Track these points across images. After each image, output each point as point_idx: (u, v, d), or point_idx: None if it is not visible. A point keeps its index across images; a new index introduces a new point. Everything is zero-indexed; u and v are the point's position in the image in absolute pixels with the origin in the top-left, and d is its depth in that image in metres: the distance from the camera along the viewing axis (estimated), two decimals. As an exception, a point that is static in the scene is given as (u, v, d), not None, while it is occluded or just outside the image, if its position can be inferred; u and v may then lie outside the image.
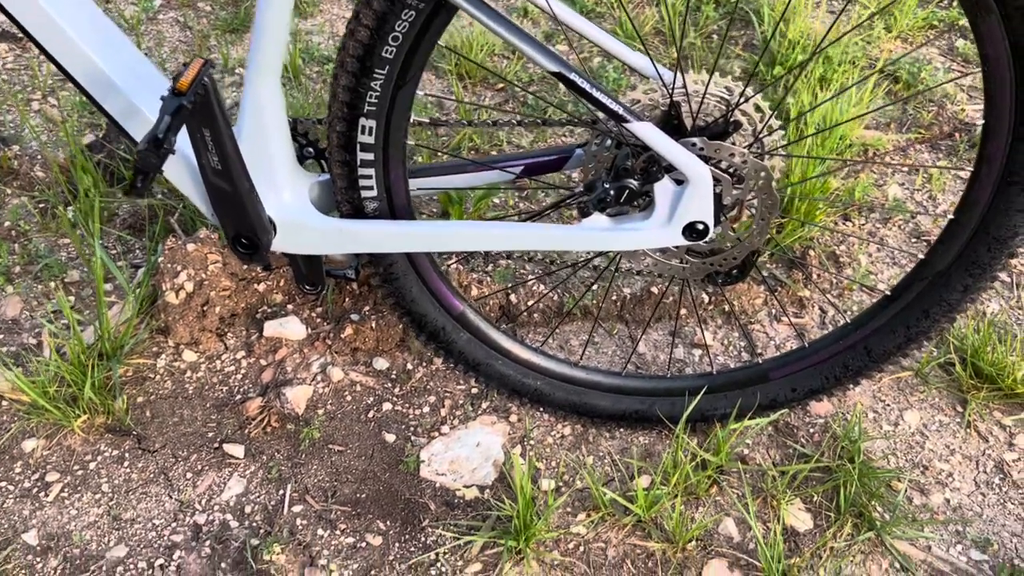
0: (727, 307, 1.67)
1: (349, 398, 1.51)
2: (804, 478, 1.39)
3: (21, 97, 2.10)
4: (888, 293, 1.30)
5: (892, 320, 1.29)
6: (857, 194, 1.88)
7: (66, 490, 1.35)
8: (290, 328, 1.59)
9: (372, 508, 1.35)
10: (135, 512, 1.33)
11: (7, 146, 1.93)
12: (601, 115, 1.08)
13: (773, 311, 1.69)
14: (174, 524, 1.32)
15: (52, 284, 1.66)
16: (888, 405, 1.53)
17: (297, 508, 1.35)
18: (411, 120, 1.15)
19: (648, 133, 1.05)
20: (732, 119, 1.16)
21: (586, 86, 1.03)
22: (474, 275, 1.66)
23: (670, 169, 1.12)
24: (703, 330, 1.64)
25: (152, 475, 1.38)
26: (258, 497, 1.36)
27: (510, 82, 2.20)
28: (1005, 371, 1.51)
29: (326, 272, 1.28)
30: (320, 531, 1.32)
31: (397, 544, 1.31)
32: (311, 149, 1.24)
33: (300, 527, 1.32)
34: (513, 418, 1.48)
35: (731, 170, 1.14)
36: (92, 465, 1.39)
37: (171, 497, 1.35)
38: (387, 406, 1.50)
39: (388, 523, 1.33)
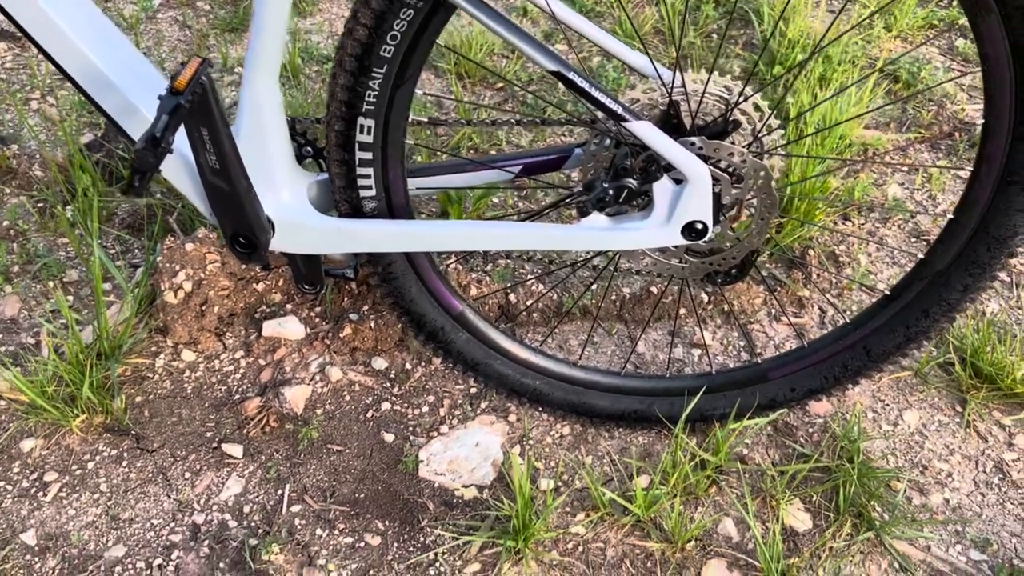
0: (726, 307, 1.67)
1: (348, 398, 1.51)
2: (803, 478, 1.39)
3: (20, 96, 2.09)
4: (887, 293, 1.30)
5: (891, 320, 1.29)
6: (857, 194, 1.88)
7: (64, 490, 1.35)
8: (289, 328, 1.59)
9: (371, 508, 1.35)
10: (133, 512, 1.33)
11: (6, 145, 1.93)
12: (600, 114, 1.08)
13: (772, 311, 1.68)
14: (173, 524, 1.32)
15: (51, 283, 1.66)
16: (887, 405, 1.53)
17: (296, 508, 1.34)
18: (410, 119, 1.15)
19: (647, 132, 1.05)
20: (731, 118, 1.16)
21: (585, 85, 1.03)
22: (473, 275, 1.66)
23: (669, 168, 1.12)
24: (702, 330, 1.64)
25: (151, 475, 1.38)
26: (257, 497, 1.36)
27: (509, 81, 2.20)
28: (1005, 371, 1.51)
29: (325, 271, 1.28)
30: (319, 531, 1.32)
31: (396, 544, 1.31)
32: (309, 148, 1.23)
33: (299, 527, 1.32)
34: (512, 418, 1.48)
35: (730, 169, 1.14)
36: (90, 465, 1.39)
37: (170, 497, 1.35)
38: (386, 406, 1.50)
39: (387, 523, 1.33)
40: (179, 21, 2.42)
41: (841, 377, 1.35)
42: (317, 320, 1.61)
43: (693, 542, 1.31)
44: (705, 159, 1.11)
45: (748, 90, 1.16)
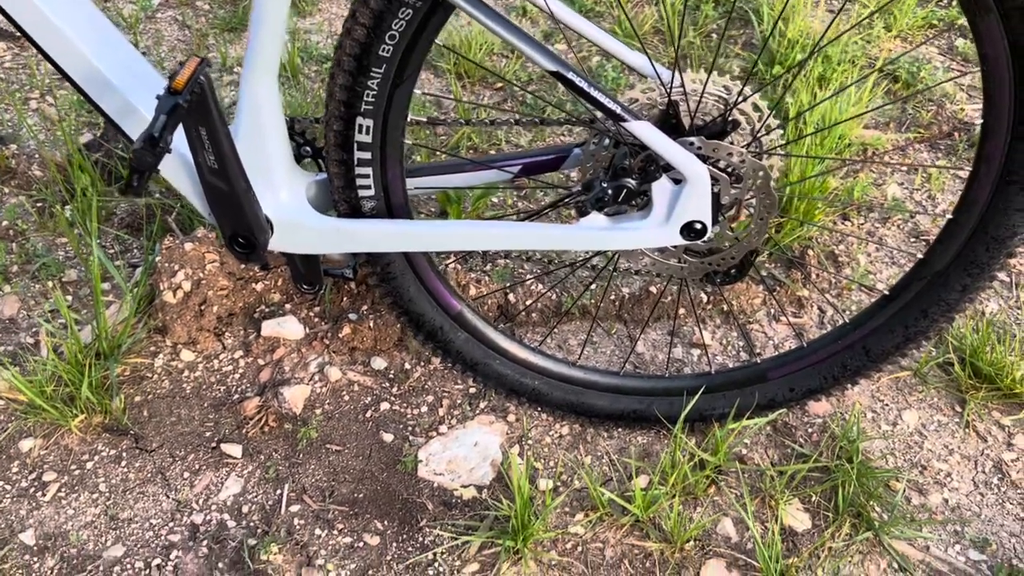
0: (726, 307, 1.67)
1: (347, 398, 1.51)
2: (802, 478, 1.39)
3: (19, 96, 2.09)
4: (887, 293, 1.30)
5: (891, 320, 1.29)
6: (856, 193, 1.88)
7: (63, 490, 1.35)
8: (288, 327, 1.59)
9: (370, 508, 1.35)
10: (132, 512, 1.33)
11: (5, 145, 1.93)
12: (599, 114, 1.08)
13: (772, 311, 1.68)
14: (171, 524, 1.32)
15: (50, 283, 1.66)
16: (887, 405, 1.53)
17: (295, 508, 1.34)
18: (408, 119, 1.15)
19: (646, 132, 1.05)
20: (730, 118, 1.16)
21: (584, 85, 1.03)
22: (472, 274, 1.66)
23: (668, 168, 1.12)
24: (701, 330, 1.64)
25: (149, 475, 1.38)
26: (255, 497, 1.36)
27: (509, 81, 2.20)
28: (1004, 371, 1.51)
29: (324, 271, 1.28)
30: (318, 531, 1.31)
31: (395, 544, 1.30)
32: (308, 148, 1.23)
33: (298, 527, 1.32)
34: (511, 418, 1.48)
35: (729, 169, 1.14)
36: (89, 465, 1.39)
37: (168, 497, 1.35)
38: (385, 406, 1.50)
39: (386, 523, 1.33)
40: (178, 21, 2.42)
41: (840, 377, 1.35)
42: (316, 320, 1.61)
43: (692, 542, 1.31)
44: (704, 159, 1.11)
45: (747, 90, 1.16)
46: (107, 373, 1.46)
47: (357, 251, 1.24)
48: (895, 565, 1.29)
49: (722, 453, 1.37)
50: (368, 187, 1.16)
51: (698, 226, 1.14)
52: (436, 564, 1.28)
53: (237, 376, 1.53)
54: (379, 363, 1.56)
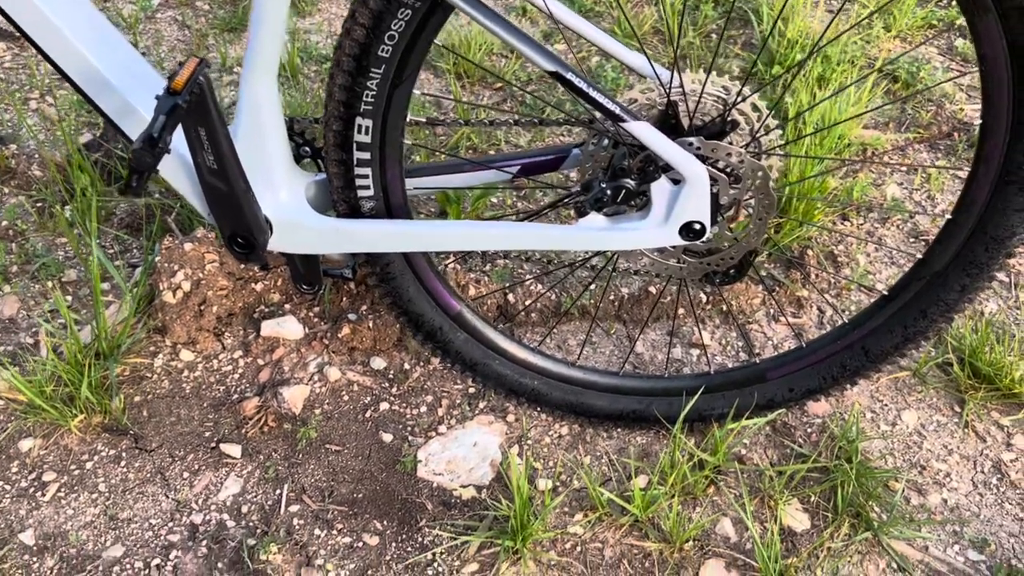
0: (725, 307, 1.67)
1: (346, 398, 1.51)
2: (801, 478, 1.39)
3: (19, 96, 2.09)
4: (886, 293, 1.30)
5: (890, 320, 1.29)
6: (855, 194, 1.88)
7: (63, 490, 1.35)
8: (287, 328, 1.59)
9: (369, 508, 1.35)
10: (132, 512, 1.33)
11: (4, 145, 1.93)
12: (598, 114, 1.08)
13: (771, 311, 1.68)
14: (171, 524, 1.32)
15: (49, 283, 1.66)
16: (886, 405, 1.53)
17: (294, 508, 1.34)
18: (408, 119, 1.15)
19: (645, 133, 1.05)
20: (729, 119, 1.16)
21: (583, 86, 1.03)
22: (471, 275, 1.66)
23: (667, 169, 1.12)
24: (701, 330, 1.64)
25: (149, 475, 1.38)
26: (255, 497, 1.36)
27: (508, 81, 2.20)
28: (1003, 371, 1.51)
29: (323, 271, 1.28)
30: (317, 531, 1.32)
31: (394, 544, 1.31)
32: (308, 148, 1.24)
33: (297, 527, 1.32)
34: (510, 418, 1.48)
35: (728, 170, 1.14)
36: (89, 465, 1.39)
37: (168, 497, 1.35)
38: (384, 406, 1.50)
39: (385, 523, 1.33)
40: (178, 21, 2.42)
41: (839, 377, 1.35)
42: (315, 320, 1.61)
43: (691, 542, 1.31)
44: (703, 159, 1.11)
45: (746, 90, 1.16)
46: (107, 373, 1.46)
47: (356, 251, 1.25)
48: (894, 565, 1.29)
49: (721, 453, 1.37)
50: (367, 187, 1.16)
51: (697, 226, 1.14)
52: (435, 564, 1.28)
53: (236, 376, 1.53)
54: (378, 363, 1.56)
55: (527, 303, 1.63)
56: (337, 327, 1.59)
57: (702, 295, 1.67)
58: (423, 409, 1.50)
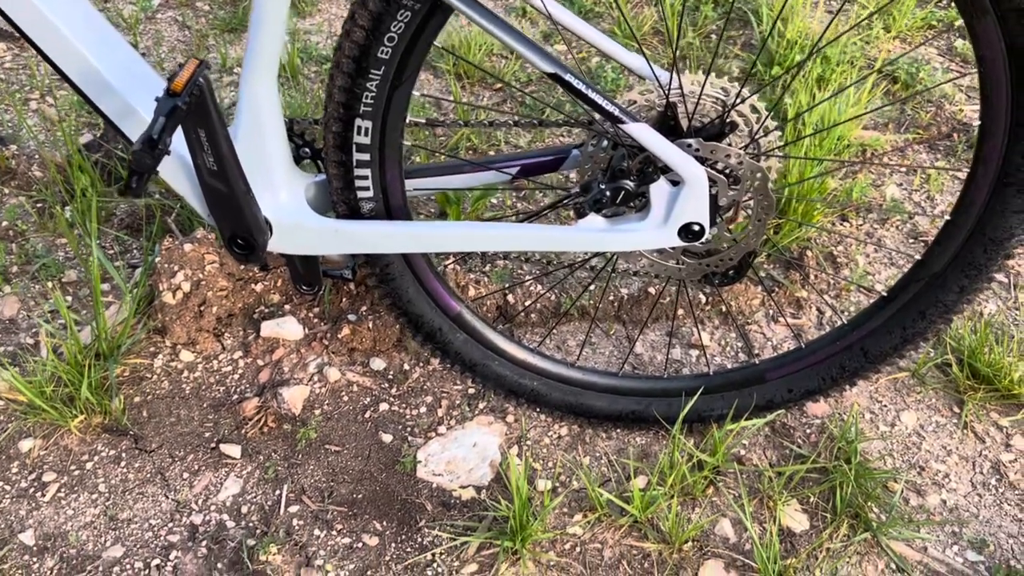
0: (724, 308, 1.67)
1: (346, 398, 1.51)
2: (800, 479, 1.40)
3: (19, 97, 2.09)
4: (885, 294, 1.30)
5: (889, 321, 1.29)
6: (855, 195, 1.88)
7: (63, 490, 1.35)
8: (287, 328, 1.59)
9: (369, 508, 1.35)
10: (132, 512, 1.33)
11: (5, 146, 1.93)
12: (597, 116, 1.08)
13: (770, 312, 1.69)
14: (171, 524, 1.32)
15: (49, 284, 1.66)
16: (885, 406, 1.53)
17: (294, 508, 1.35)
18: (407, 120, 1.15)
19: (643, 134, 1.05)
20: (728, 120, 1.16)
21: (581, 87, 1.03)
22: (471, 275, 1.66)
23: (666, 170, 1.12)
24: (700, 331, 1.64)
25: (149, 475, 1.38)
26: (255, 497, 1.36)
27: (508, 82, 2.20)
28: (1002, 372, 1.51)
29: (323, 272, 1.28)
30: (316, 531, 1.32)
31: (393, 544, 1.31)
32: (307, 149, 1.24)
33: (296, 527, 1.32)
34: (510, 418, 1.48)
35: (727, 171, 1.14)
36: (89, 465, 1.39)
37: (168, 497, 1.35)
38: (384, 406, 1.50)
39: (385, 523, 1.33)
40: (178, 21, 2.42)
41: (838, 378, 1.36)
42: (315, 321, 1.62)
43: (690, 543, 1.31)
44: (702, 161, 1.11)
45: (745, 91, 1.16)
46: (106, 374, 1.47)
47: (356, 252, 1.25)
48: (893, 566, 1.30)
49: (720, 454, 1.37)
50: (367, 188, 1.17)
51: (696, 228, 1.14)
52: (435, 564, 1.28)
53: (236, 377, 1.53)
54: (378, 364, 1.57)
55: (527, 304, 1.63)
56: (337, 328, 1.59)
57: (701, 296, 1.67)
58: (423, 410, 1.50)
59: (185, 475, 1.38)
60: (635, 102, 1.16)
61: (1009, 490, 1.41)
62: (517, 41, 1.00)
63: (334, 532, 1.32)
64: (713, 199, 1.13)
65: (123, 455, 1.41)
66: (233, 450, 1.42)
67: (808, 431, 1.48)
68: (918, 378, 1.57)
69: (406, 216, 1.22)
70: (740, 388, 1.41)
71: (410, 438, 1.45)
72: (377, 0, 0.98)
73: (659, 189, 1.13)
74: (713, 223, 1.15)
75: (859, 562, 1.30)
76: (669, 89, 1.13)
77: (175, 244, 1.55)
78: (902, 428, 1.49)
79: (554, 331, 1.64)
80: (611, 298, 1.66)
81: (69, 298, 1.64)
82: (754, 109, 1.17)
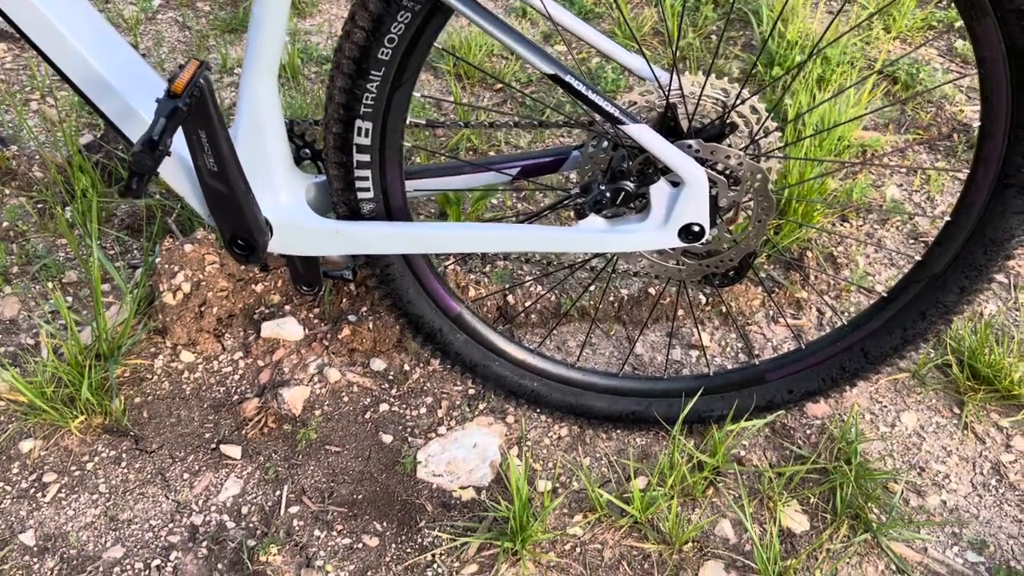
0: (724, 308, 1.67)
1: (346, 399, 1.51)
2: (800, 479, 1.40)
3: (19, 97, 2.10)
4: (885, 295, 1.30)
5: (889, 322, 1.29)
6: (855, 195, 1.88)
7: (63, 491, 1.36)
8: (287, 329, 1.59)
9: (369, 509, 1.35)
10: (132, 513, 1.33)
11: (5, 146, 1.93)
12: (597, 117, 1.08)
13: (770, 312, 1.69)
14: (171, 525, 1.32)
15: (50, 284, 1.66)
16: (885, 407, 1.53)
17: (294, 509, 1.35)
18: (408, 121, 1.15)
19: (643, 135, 1.06)
20: (728, 121, 1.16)
21: (581, 88, 1.03)
22: (471, 276, 1.66)
23: (666, 171, 1.12)
24: (700, 331, 1.64)
25: (149, 476, 1.38)
26: (255, 498, 1.36)
27: (508, 83, 2.20)
28: (1002, 373, 1.51)
29: (323, 273, 1.28)
30: (317, 532, 1.32)
31: (394, 545, 1.31)
32: (308, 150, 1.24)
33: (297, 528, 1.32)
34: (510, 419, 1.48)
35: (727, 172, 1.14)
36: (89, 466, 1.39)
37: (168, 498, 1.35)
38: (384, 407, 1.50)
39: (385, 524, 1.33)
40: (179, 22, 2.42)
41: (839, 379, 1.36)
42: (316, 321, 1.62)
43: (690, 543, 1.31)
44: (702, 161, 1.11)
45: (745, 92, 1.16)
46: (107, 374, 1.47)
47: (356, 253, 1.25)
48: (893, 567, 1.30)
49: (720, 455, 1.37)
50: (367, 189, 1.17)
51: (696, 228, 1.14)
52: (435, 565, 1.28)
53: (237, 377, 1.53)
54: (378, 364, 1.57)
55: (527, 304, 1.63)
56: (337, 328, 1.59)
57: (701, 297, 1.67)
58: (423, 410, 1.50)
59: (185, 476, 1.38)
60: (635, 103, 1.16)
61: (1009, 491, 1.41)
62: (517, 42, 1.00)
63: (334, 533, 1.32)
64: (713, 200, 1.13)
65: (123, 456, 1.41)
66: (233, 451, 1.42)
67: (808, 432, 1.48)
68: (918, 379, 1.57)
69: (406, 217, 1.22)
70: (740, 389, 1.41)
71: (410, 439, 1.45)
72: (377, 1, 0.98)
73: (659, 190, 1.13)
74: (713, 224, 1.15)
75: (859, 563, 1.30)
76: (669, 90, 1.13)
77: (175, 245, 1.56)
78: (902, 429, 1.49)
79: (554, 332, 1.64)
80: (611, 299, 1.66)
81: (69, 299, 1.64)
82: (754, 110, 1.18)
